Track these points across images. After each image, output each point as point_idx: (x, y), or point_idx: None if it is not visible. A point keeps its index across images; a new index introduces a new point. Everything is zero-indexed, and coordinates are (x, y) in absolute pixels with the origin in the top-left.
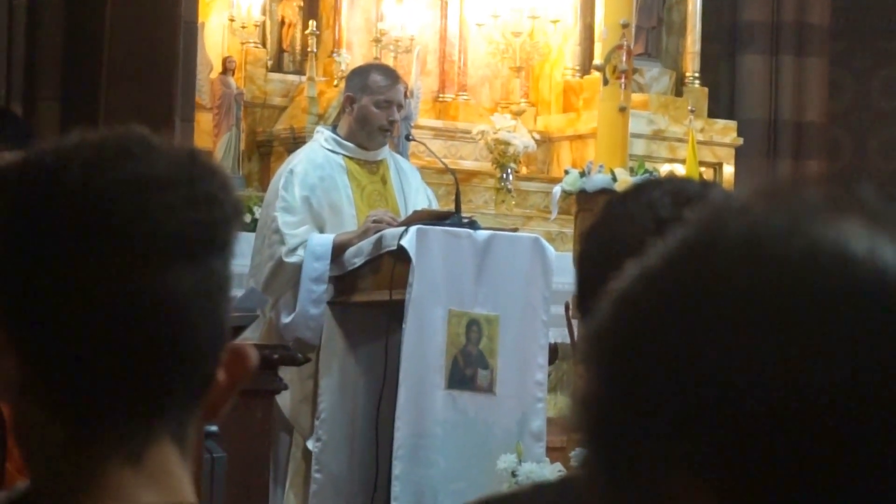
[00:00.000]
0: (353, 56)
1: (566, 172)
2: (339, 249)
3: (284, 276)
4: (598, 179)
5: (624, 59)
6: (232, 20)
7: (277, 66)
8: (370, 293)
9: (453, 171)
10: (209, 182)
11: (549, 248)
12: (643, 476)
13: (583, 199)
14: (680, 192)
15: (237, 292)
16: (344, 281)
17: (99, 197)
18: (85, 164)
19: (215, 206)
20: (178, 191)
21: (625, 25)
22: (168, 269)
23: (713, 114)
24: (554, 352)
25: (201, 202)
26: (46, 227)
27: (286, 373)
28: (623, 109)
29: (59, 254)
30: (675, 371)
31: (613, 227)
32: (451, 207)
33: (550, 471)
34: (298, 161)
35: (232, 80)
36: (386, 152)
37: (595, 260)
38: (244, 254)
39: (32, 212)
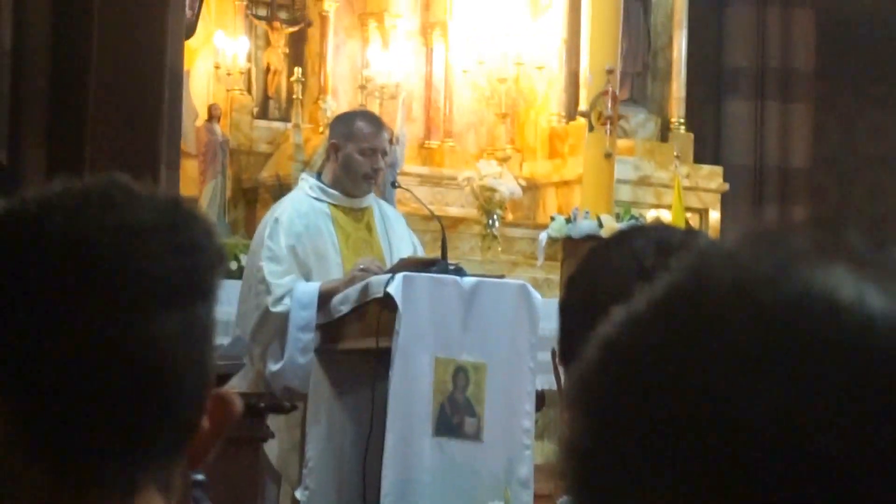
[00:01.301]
0: (338, 102)
1: (552, 219)
2: (325, 297)
3: (271, 326)
4: (585, 225)
5: (609, 104)
6: (217, 67)
7: (263, 113)
8: (357, 340)
9: (439, 218)
10: (192, 229)
11: (536, 294)
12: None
13: (569, 245)
14: (663, 241)
15: (223, 340)
16: (331, 328)
17: (81, 245)
18: (67, 213)
19: (199, 252)
20: (162, 238)
21: (610, 71)
22: (152, 316)
23: (699, 159)
24: (541, 398)
25: (185, 249)
26: (28, 274)
27: (274, 421)
28: (609, 155)
29: (41, 301)
30: (660, 417)
31: (596, 275)
32: (438, 254)
33: None
34: (283, 210)
35: (217, 128)
36: (371, 199)
37: (578, 308)
38: (229, 301)
39: (14, 260)
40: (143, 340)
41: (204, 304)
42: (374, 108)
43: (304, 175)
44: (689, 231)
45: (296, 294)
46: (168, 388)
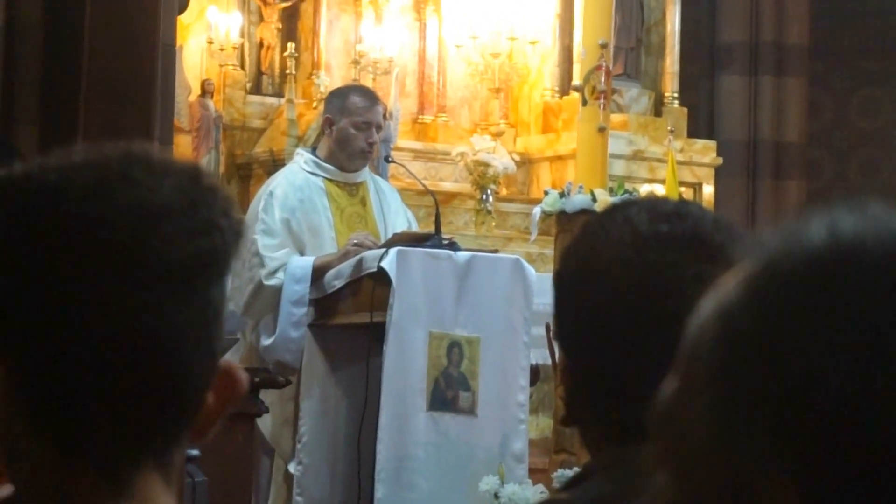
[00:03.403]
0: (332, 78)
1: (546, 193)
2: (319, 272)
3: (264, 299)
4: (578, 200)
5: (603, 79)
6: (210, 43)
7: (256, 89)
8: (351, 315)
9: (433, 193)
10: (211, 207)
11: (530, 269)
12: (730, 483)
13: (563, 219)
14: (657, 209)
15: None
16: (324, 303)
17: (99, 224)
18: (86, 188)
19: (216, 233)
20: (180, 220)
21: (603, 46)
22: (165, 299)
23: (693, 134)
24: (535, 373)
25: (203, 231)
26: (44, 249)
27: (267, 396)
28: (602, 130)
29: (56, 277)
30: (779, 381)
31: (591, 246)
32: (431, 229)
33: (532, 492)
34: (278, 184)
35: (211, 103)
36: (366, 174)
37: (574, 280)
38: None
39: (32, 230)
40: (156, 324)
41: (217, 284)
42: (368, 83)
43: (299, 150)
44: (682, 201)
45: (289, 268)
46: (177, 371)
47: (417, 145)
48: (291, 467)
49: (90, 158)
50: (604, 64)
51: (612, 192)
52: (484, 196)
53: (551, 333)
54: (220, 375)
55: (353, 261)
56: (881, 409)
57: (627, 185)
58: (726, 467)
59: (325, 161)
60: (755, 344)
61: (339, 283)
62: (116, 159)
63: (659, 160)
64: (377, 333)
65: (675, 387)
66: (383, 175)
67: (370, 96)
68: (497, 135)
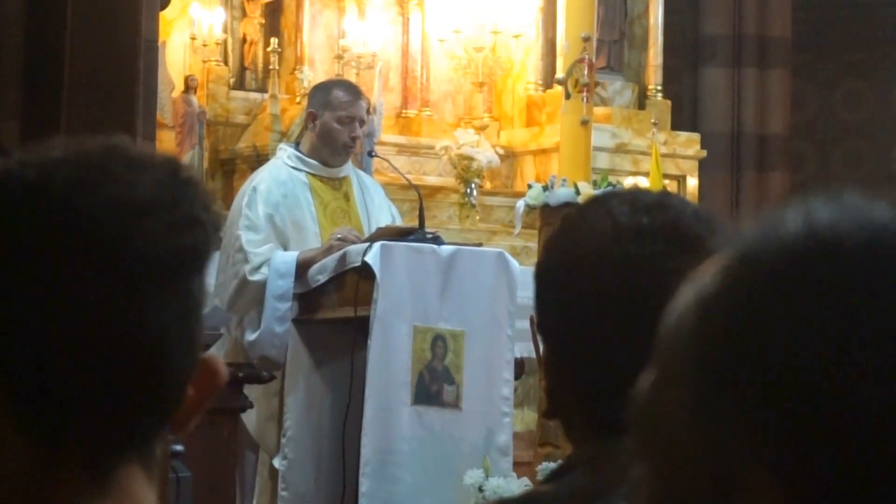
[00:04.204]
0: (315, 73)
1: (529, 187)
2: (303, 267)
3: (249, 294)
4: (562, 193)
5: (586, 72)
6: (193, 38)
7: (240, 84)
8: (335, 310)
9: (417, 187)
10: (191, 202)
11: (514, 262)
12: (710, 477)
13: (546, 213)
14: (638, 200)
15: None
16: (308, 298)
17: (81, 221)
18: (66, 184)
19: (197, 227)
20: (161, 215)
21: (586, 39)
22: (146, 295)
23: (676, 126)
24: (520, 366)
25: (183, 226)
26: (24, 246)
27: (252, 391)
28: (585, 123)
29: (37, 273)
30: (778, 362)
31: (572, 236)
32: (415, 223)
33: (517, 485)
34: (262, 179)
35: (194, 99)
36: (349, 169)
37: (555, 272)
38: (209, 272)
39: (12, 226)
40: (138, 318)
41: (197, 277)
42: (351, 78)
43: (282, 145)
44: (664, 193)
45: (273, 263)
46: (159, 364)
47: (401, 139)
48: (276, 462)
49: (69, 154)
50: (587, 57)
51: (595, 185)
52: (468, 190)
53: (535, 326)
54: (200, 368)
55: (336, 255)
56: (858, 400)
57: (611, 178)
58: (705, 459)
59: (309, 156)
60: (732, 335)
61: (323, 278)
62: (96, 154)
63: (642, 153)
64: (361, 328)
65: (653, 379)
66: (367, 170)
67: (353, 91)
68: (481, 128)
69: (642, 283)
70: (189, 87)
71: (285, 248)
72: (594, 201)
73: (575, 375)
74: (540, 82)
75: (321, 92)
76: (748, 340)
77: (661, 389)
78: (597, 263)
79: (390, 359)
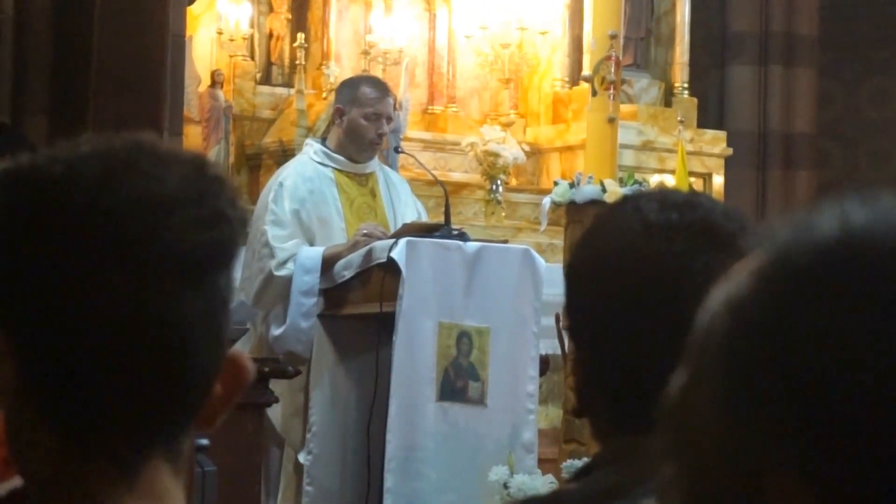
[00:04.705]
0: (341, 68)
1: (555, 184)
2: (328, 262)
3: (274, 290)
4: (588, 190)
5: (612, 69)
6: (220, 33)
7: (266, 79)
8: (360, 306)
9: (442, 184)
10: (217, 197)
11: (540, 259)
12: (738, 478)
13: (572, 210)
14: (667, 198)
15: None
16: (334, 293)
17: (108, 216)
18: (94, 180)
19: (223, 223)
20: (187, 211)
21: (613, 36)
22: (173, 291)
23: (702, 124)
24: (545, 363)
25: (210, 222)
26: (52, 240)
27: (277, 386)
28: (612, 120)
29: (65, 268)
30: (798, 370)
31: (602, 234)
32: (441, 219)
33: (542, 482)
34: (288, 174)
35: (220, 94)
36: (375, 165)
37: (584, 269)
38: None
39: (41, 222)
40: (164, 315)
41: (224, 273)
42: (378, 73)
43: (308, 140)
44: (693, 191)
45: (299, 258)
46: (185, 361)
47: (427, 136)
48: (301, 457)
49: (97, 149)
50: (613, 54)
51: (621, 182)
52: (493, 186)
53: (563, 324)
54: (227, 364)
55: (362, 251)
56: (889, 403)
57: (637, 176)
58: (734, 459)
59: (335, 152)
60: (765, 336)
61: (348, 274)
62: (123, 150)
63: (668, 150)
64: (387, 324)
65: (685, 379)
66: (393, 166)
67: (381, 87)
68: (507, 125)
69: (672, 281)
70: (215, 81)
71: (311, 244)
72: (623, 200)
73: (602, 373)
74: (566, 79)
75: (349, 88)
76: (780, 342)
77: (692, 389)
78: (626, 261)
79: (415, 355)
